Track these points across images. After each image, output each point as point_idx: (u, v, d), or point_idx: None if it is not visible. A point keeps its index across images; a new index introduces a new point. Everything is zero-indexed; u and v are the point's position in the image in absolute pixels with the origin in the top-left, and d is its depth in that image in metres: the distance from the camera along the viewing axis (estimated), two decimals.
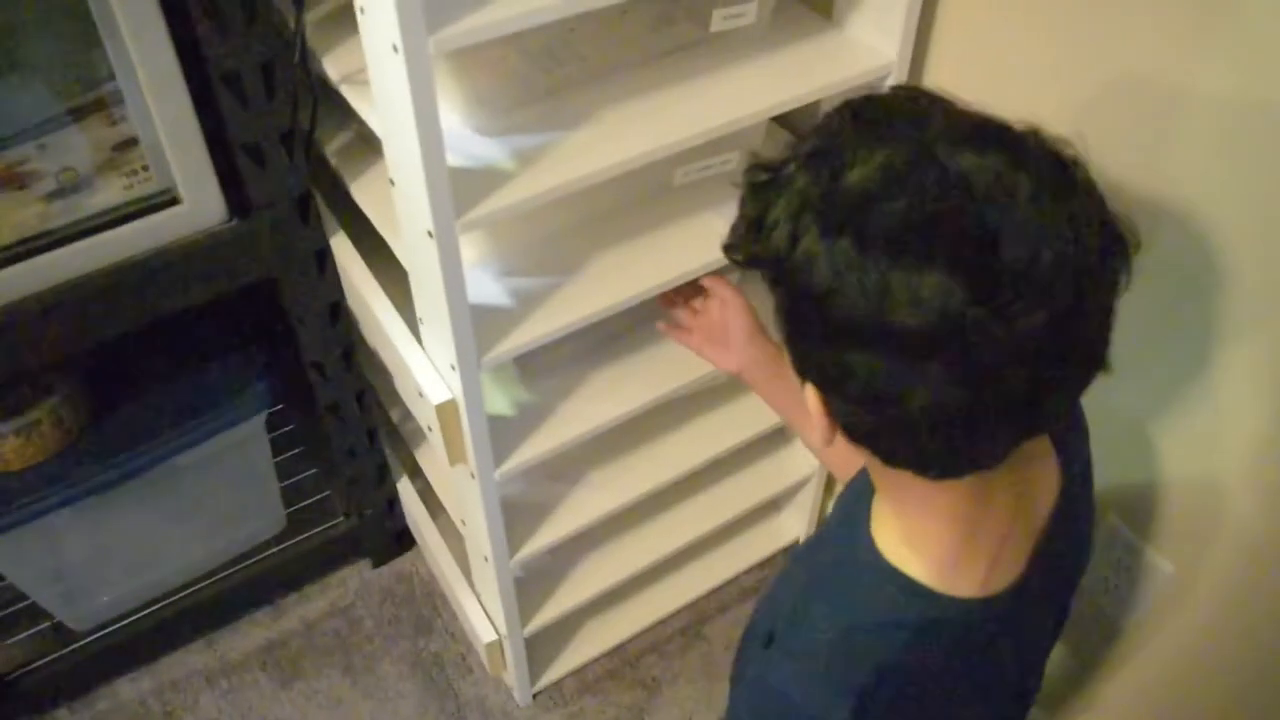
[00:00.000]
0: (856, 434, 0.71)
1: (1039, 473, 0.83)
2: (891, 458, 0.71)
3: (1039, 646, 0.94)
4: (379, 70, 0.94)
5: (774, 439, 1.74)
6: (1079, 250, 0.61)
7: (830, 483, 1.83)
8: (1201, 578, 1.20)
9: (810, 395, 0.71)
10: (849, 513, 0.85)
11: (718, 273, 1.25)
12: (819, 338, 0.66)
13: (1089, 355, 0.65)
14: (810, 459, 1.74)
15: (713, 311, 1.26)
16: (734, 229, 0.73)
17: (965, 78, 1.22)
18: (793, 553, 1.00)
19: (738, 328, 1.21)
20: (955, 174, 0.61)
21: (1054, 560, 0.84)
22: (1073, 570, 0.92)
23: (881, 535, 0.79)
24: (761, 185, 0.70)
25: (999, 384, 0.62)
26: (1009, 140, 0.64)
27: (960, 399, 0.62)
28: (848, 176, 0.64)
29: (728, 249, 0.74)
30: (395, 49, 0.86)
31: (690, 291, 1.29)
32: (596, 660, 1.75)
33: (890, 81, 1.23)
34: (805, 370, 0.70)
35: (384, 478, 1.77)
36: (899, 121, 0.67)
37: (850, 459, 1.02)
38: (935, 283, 0.59)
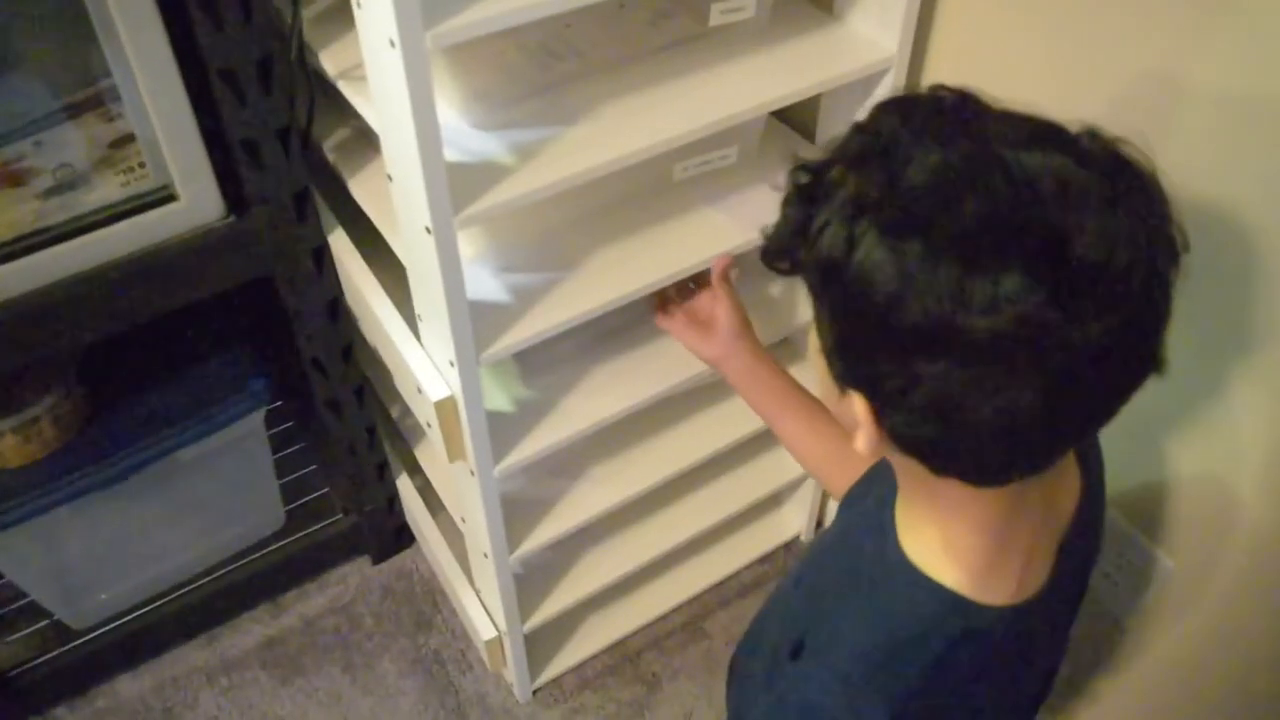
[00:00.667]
0: (912, 444, 0.68)
1: (1064, 475, 0.82)
2: (945, 468, 0.69)
3: (1060, 647, 0.94)
4: (376, 65, 0.93)
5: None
6: (1148, 252, 0.60)
7: None
8: (1203, 574, 1.20)
9: (859, 406, 0.68)
10: (875, 517, 0.83)
11: (729, 260, 1.25)
12: (880, 346, 0.63)
13: (1149, 357, 0.64)
14: None
15: (702, 301, 1.26)
16: (775, 234, 0.70)
17: (965, 72, 1.21)
18: (806, 554, 0.99)
19: (726, 319, 1.20)
20: (1022, 174, 0.60)
21: (1076, 561, 0.84)
22: (1089, 568, 0.91)
23: (911, 543, 0.78)
24: (807, 187, 0.67)
25: (1071, 388, 0.61)
26: (1069, 141, 0.63)
27: (1032, 405, 0.60)
28: (906, 175, 0.62)
29: (767, 254, 0.72)
30: (392, 44, 0.85)
31: (685, 284, 1.29)
32: (597, 656, 1.75)
33: (891, 76, 1.22)
34: (856, 380, 0.68)
35: (383, 474, 1.77)
36: (951, 120, 0.66)
37: (846, 471, 1.02)
38: (1013, 285, 0.57)
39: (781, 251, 0.70)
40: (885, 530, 0.80)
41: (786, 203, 0.69)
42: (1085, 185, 0.60)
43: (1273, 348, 1.02)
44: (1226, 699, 1.26)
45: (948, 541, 0.75)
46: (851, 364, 0.68)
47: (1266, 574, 1.13)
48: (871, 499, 0.88)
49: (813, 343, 0.74)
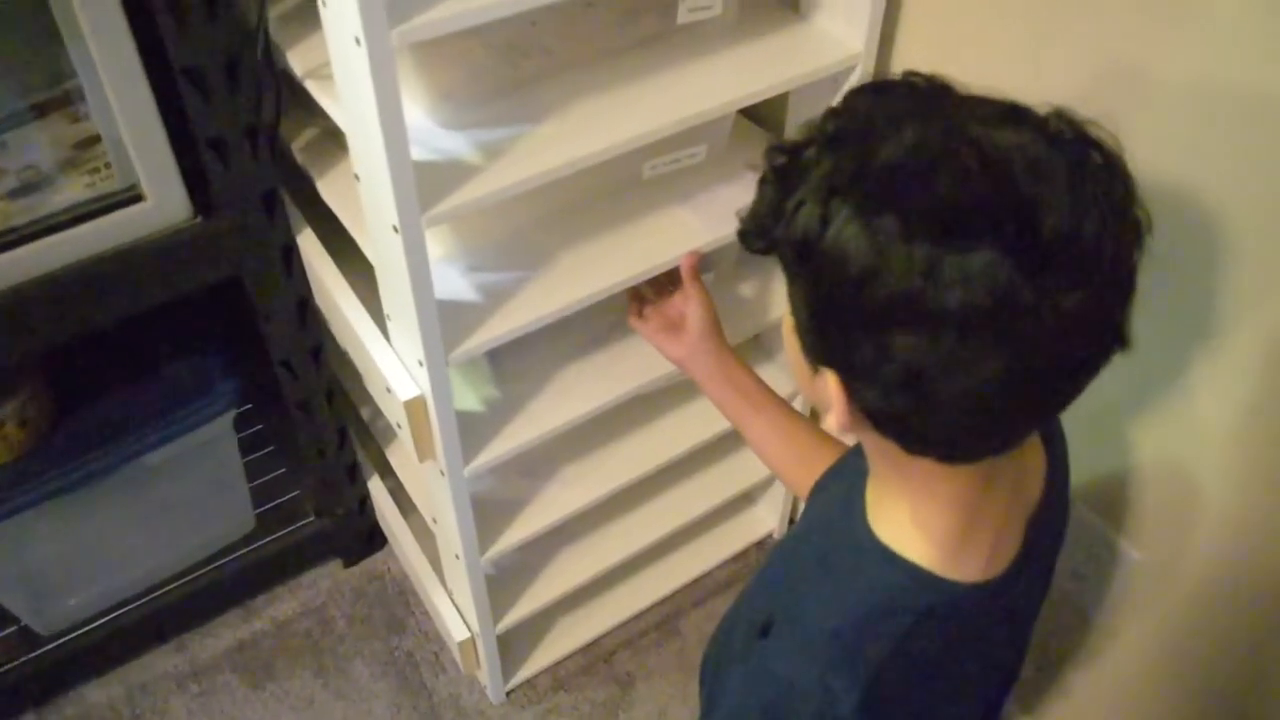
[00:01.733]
0: (885, 421, 0.69)
1: (1030, 456, 0.83)
2: (917, 445, 0.70)
3: (1029, 624, 0.95)
4: (342, 63, 0.93)
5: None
6: (1115, 227, 0.61)
7: None
8: (1170, 564, 1.21)
9: (831, 383, 0.69)
10: (843, 500, 0.84)
11: (699, 256, 1.25)
12: (854, 322, 0.64)
13: (1116, 332, 0.65)
14: None
15: (674, 301, 1.27)
16: (752, 214, 0.71)
17: (932, 68, 1.22)
18: (777, 546, 1.00)
19: (694, 320, 1.20)
20: (993, 151, 0.61)
21: (1045, 540, 0.85)
22: (1057, 547, 0.93)
23: (882, 522, 0.79)
24: (783, 168, 0.68)
25: (1041, 363, 0.62)
26: (1038, 121, 0.64)
27: (1002, 379, 0.61)
28: (880, 154, 0.63)
29: (744, 234, 0.72)
30: (358, 41, 0.85)
31: (661, 282, 1.29)
32: (570, 657, 1.75)
33: (858, 74, 1.23)
34: (829, 357, 0.69)
35: (355, 476, 1.76)
36: (924, 101, 0.67)
37: (813, 472, 1.03)
38: (984, 260, 0.58)
39: (758, 231, 0.71)
40: (854, 511, 0.81)
41: (762, 182, 0.70)
42: (1054, 162, 0.61)
43: (1234, 334, 1.03)
44: (1197, 689, 1.27)
45: (918, 519, 0.76)
46: (825, 341, 0.69)
47: (1230, 562, 1.15)
48: (840, 485, 0.89)
49: (787, 323, 0.75)
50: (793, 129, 1.37)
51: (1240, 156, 0.95)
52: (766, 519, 1.90)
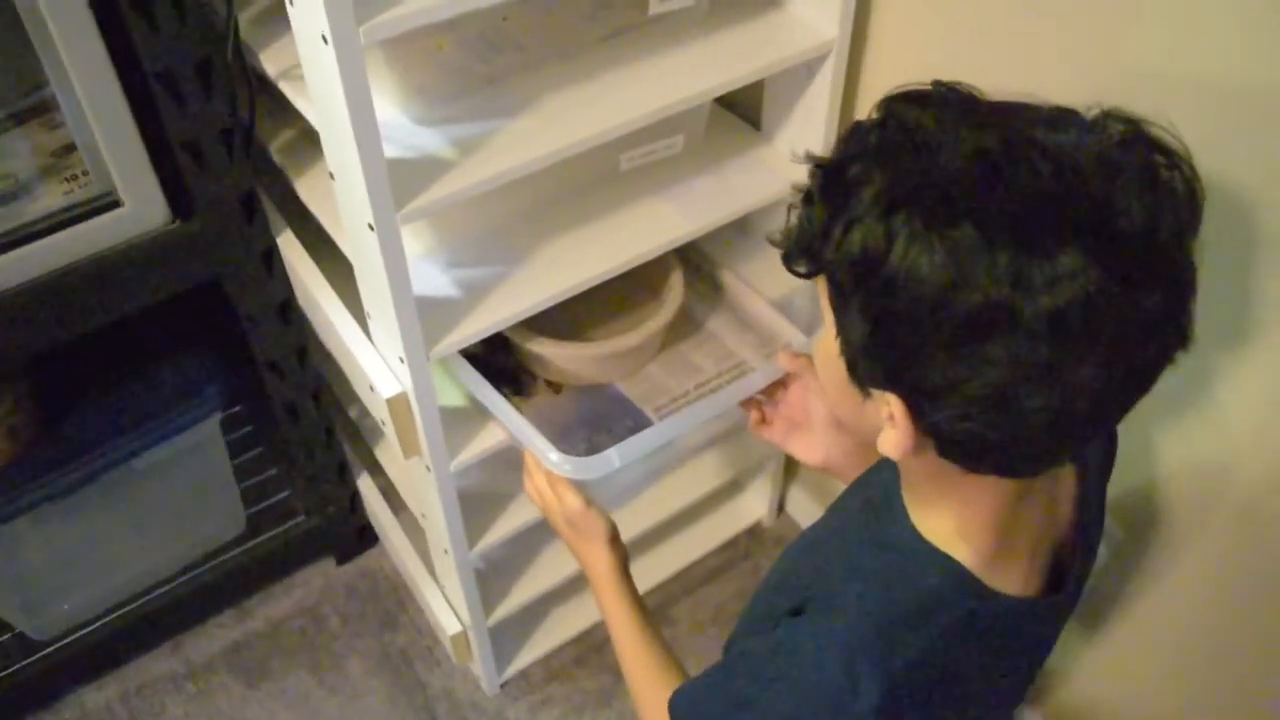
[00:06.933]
0: (954, 440, 0.67)
1: (1062, 482, 0.83)
2: (984, 459, 0.68)
3: (1049, 648, 0.94)
4: (311, 62, 0.93)
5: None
6: (1186, 222, 0.61)
7: (791, 462, 1.84)
8: (1148, 543, 1.22)
9: (895, 407, 0.67)
10: (880, 501, 0.83)
11: (793, 352, 1.21)
12: (931, 340, 0.62)
13: (1183, 330, 0.64)
14: None
15: (793, 396, 1.21)
16: (797, 236, 0.69)
17: (906, 54, 1.22)
18: (797, 542, 0.97)
19: (818, 414, 1.15)
20: (1059, 152, 0.60)
21: (1076, 567, 0.84)
22: (1086, 574, 0.90)
23: (925, 524, 0.77)
24: (827, 185, 0.66)
25: (1123, 365, 0.61)
26: (1093, 121, 0.63)
27: (1088, 385, 0.60)
28: (942, 164, 0.61)
29: (788, 258, 0.70)
30: (325, 39, 0.85)
31: (771, 386, 1.25)
32: (563, 647, 1.76)
33: (832, 60, 1.23)
34: (893, 380, 0.66)
35: (344, 475, 1.77)
36: (971, 107, 0.65)
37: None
38: (1070, 262, 0.57)
39: (802, 254, 0.68)
40: (896, 512, 0.80)
41: (806, 202, 0.68)
42: (1122, 161, 0.60)
43: (1225, 308, 1.03)
44: (1198, 663, 1.28)
45: (964, 532, 0.75)
46: (889, 363, 0.66)
47: (1206, 542, 1.15)
48: (867, 489, 0.88)
49: (824, 349, 0.73)
50: (767, 125, 1.38)
51: (1235, 149, 0.94)
52: (755, 506, 1.91)
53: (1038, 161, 0.59)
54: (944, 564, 0.75)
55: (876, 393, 0.68)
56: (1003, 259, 0.58)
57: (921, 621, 0.74)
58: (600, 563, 1.13)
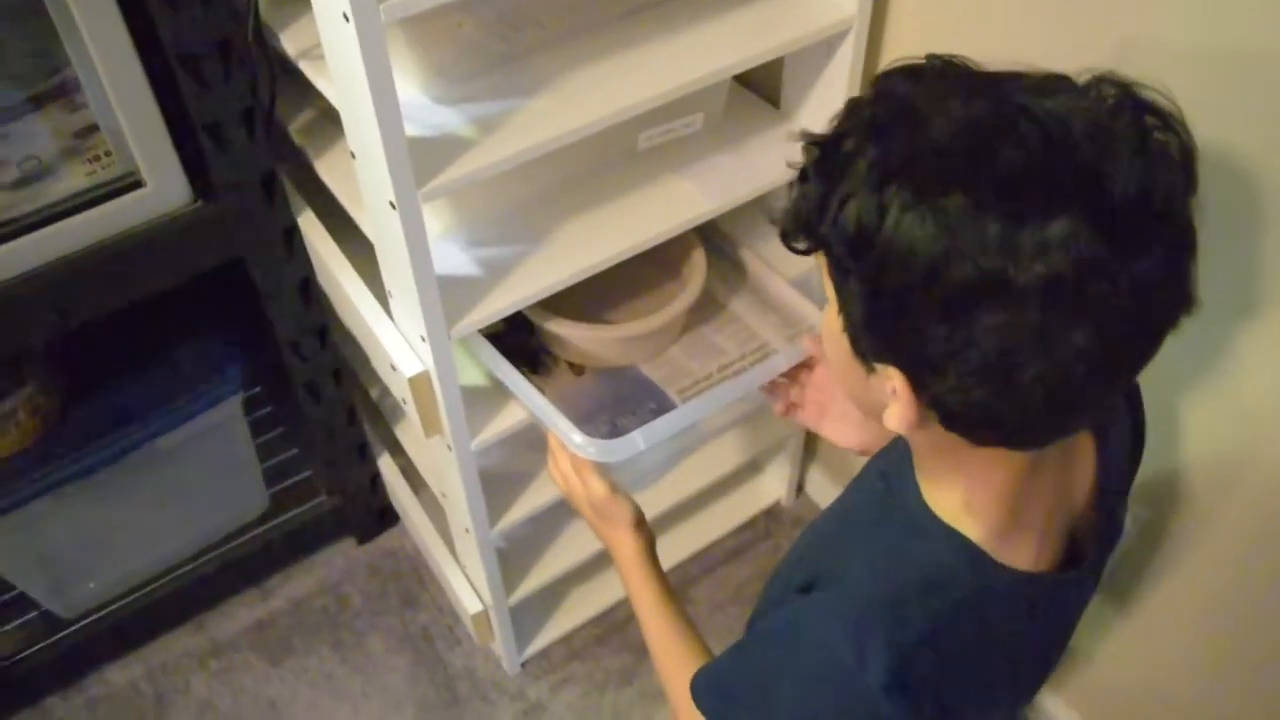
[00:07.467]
0: (957, 411, 0.66)
1: (1078, 455, 0.82)
2: (989, 432, 0.68)
3: (1071, 627, 0.93)
4: (332, 41, 0.94)
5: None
6: (1180, 185, 0.60)
7: (810, 443, 1.84)
8: (1172, 524, 1.21)
9: (897, 381, 0.66)
10: (893, 476, 0.82)
11: (816, 335, 1.19)
12: (927, 311, 0.61)
13: (1186, 294, 0.63)
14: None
15: (819, 379, 1.21)
16: (793, 213, 0.68)
17: (926, 31, 1.22)
18: (814, 522, 0.98)
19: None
20: (1049, 119, 0.59)
21: (1097, 540, 0.83)
22: (1109, 547, 0.89)
23: (935, 499, 0.77)
24: (821, 161, 0.66)
25: (1121, 332, 0.60)
26: (1084, 87, 0.63)
27: (1085, 352, 0.60)
28: (931, 134, 0.61)
29: (786, 236, 0.70)
30: (346, 17, 0.85)
31: (795, 369, 1.24)
32: (584, 626, 1.77)
33: (852, 37, 1.23)
34: (896, 353, 0.66)
35: (365, 455, 1.78)
36: (961, 77, 0.65)
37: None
38: (1061, 229, 0.57)
39: (802, 230, 0.68)
40: (908, 488, 0.79)
41: (801, 179, 0.68)
42: (1114, 125, 0.60)
43: (1231, 290, 1.03)
44: (1220, 646, 1.27)
45: (972, 507, 0.75)
46: (888, 337, 0.66)
47: (1233, 523, 1.15)
48: (883, 464, 0.88)
49: (828, 326, 0.73)
50: (786, 104, 1.37)
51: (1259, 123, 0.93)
52: (774, 487, 1.91)
53: (1027, 129, 0.59)
54: (952, 539, 0.75)
55: (880, 367, 0.68)
56: (993, 228, 0.58)
57: (930, 597, 0.74)
58: (626, 547, 1.13)
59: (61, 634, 1.65)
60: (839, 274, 0.67)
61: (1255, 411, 1.07)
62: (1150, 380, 0.92)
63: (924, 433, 0.70)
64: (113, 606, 1.68)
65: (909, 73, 0.67)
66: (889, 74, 0.67)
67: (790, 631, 0.79)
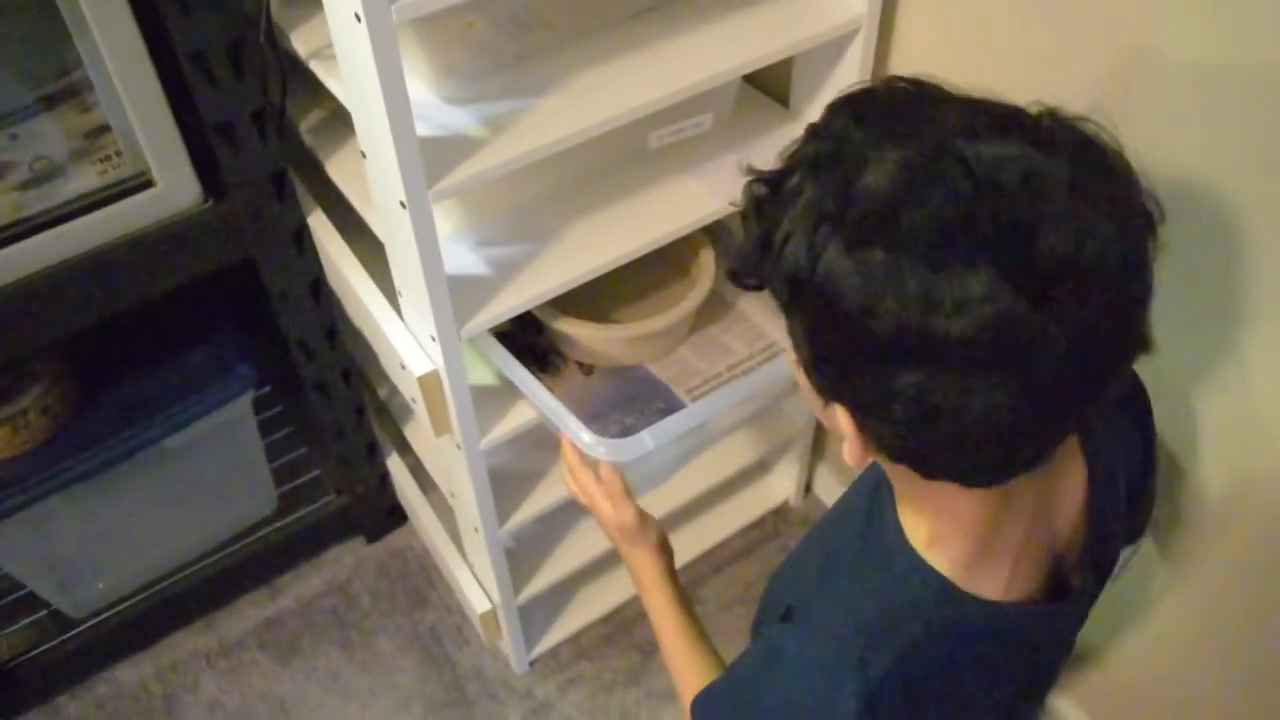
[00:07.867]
0: (899, 453, 0.67)
1: (1062, 477, 0.80)
2: (935, 474, 0.68)
3: (1066, 649, 0.93)
4: (344, 41, 0.94)
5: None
6: (1122, 231, 0.58)
7: (819, 442, 1.84)
8: (1182, 527, 1.21)
9: (841, 418, 0.67)
10: (874, 497, 0.82)
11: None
12: (856, 359, 0.61)
13: (1134, 338, 0.62)
14: (797, 419, 1.75)
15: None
16: (739, 251, 0.68)
17: (935, 31, 1.21)
18: (807, 535, 0.98)
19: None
20: (982, 168, 0.58)
21: (1093, 566, 0.82)
22: (1101, 583, 0.89)
23: (909, 524, 0.77)
24: (765, 200, 0.65)
25: (1057, 382, 0.59)
26: (1029, 126, 0.61)
27: (1015, 403, 0.59)
28: (864, 181, 0.60)
29: (733, 274, 0.70)
30: (358, 18, 0.86)
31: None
32: (592, 626, 1.77)
33: (861, 37, 1.23)
34: (836, 392, 0.66)
35: (374, 454, 1.78)
36: (906, 116, 0.63)
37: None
38: (981, 285, 0.55)
39: (746, 268, 0.68)
40: (886, 514, 0.79)
41: (744, 216, 0.68)
42: (1048, 172, 0.58)
43: (1218, 292, 1.03)
44: (1230, 648, 1.27)
45: (936, 537, 0.75)
46: (830, 376, 0.66)
47: (1235, 520, 1.15)
48: (864, 488, 0.88)
49: (790, 355, 0.73)
50: (795, 104, 1.37)
51: (1259, 135, 0.93)
52: (783, 486, 1.91)
53: (957, 179, 0.58)
54: (919, 571, 0.75)
55: (829, 402, 0.68)
56: (912, 284, 0.57)
57: (896, 630, 0.74)
58: (649, 567, 1.13)
59: (70, 633, 1.66)
60: (784, 311, 0.67)
61: (1268, 416, 1.07)
62: (1160, 384, 0.93)
63: (890, 465, 0.71)
64: (122, 605, 1.69)
65: (855, 104, 0.66)
66: (837, 105, 0.67)
67: (770, 661, 0.80)
